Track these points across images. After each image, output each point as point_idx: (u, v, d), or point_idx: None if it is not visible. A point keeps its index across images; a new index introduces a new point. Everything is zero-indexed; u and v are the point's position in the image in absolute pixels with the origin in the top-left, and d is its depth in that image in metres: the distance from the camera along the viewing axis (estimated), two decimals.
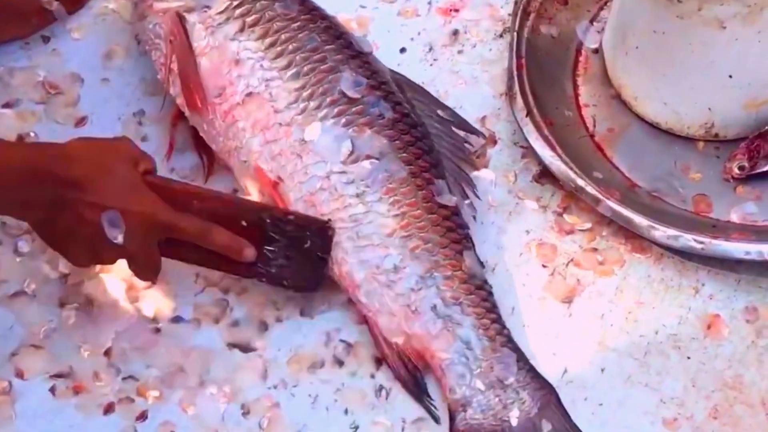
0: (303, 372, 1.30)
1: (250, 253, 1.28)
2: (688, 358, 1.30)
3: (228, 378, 1.30)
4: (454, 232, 1.32)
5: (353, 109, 1.36)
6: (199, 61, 1.40)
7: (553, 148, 1.39)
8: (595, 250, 1.37)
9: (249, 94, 1.37)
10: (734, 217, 1.37)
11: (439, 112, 1.42)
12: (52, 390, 1.30)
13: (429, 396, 1.28)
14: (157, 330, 1.33)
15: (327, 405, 1.29)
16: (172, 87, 1.42)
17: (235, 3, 1.41)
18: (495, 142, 1.46)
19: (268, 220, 1.29)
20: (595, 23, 1.53)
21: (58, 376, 1.30)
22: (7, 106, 1.47)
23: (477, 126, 1.46)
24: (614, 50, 1.46)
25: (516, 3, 1.51)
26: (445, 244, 1.31)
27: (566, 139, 1.42)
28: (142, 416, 1.28)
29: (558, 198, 1.41)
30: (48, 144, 1.31)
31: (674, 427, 1.26)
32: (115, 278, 1.35)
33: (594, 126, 1.46)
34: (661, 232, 1.33)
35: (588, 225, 1.38)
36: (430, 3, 1.58)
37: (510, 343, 1.28)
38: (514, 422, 1.24)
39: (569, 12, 1.53)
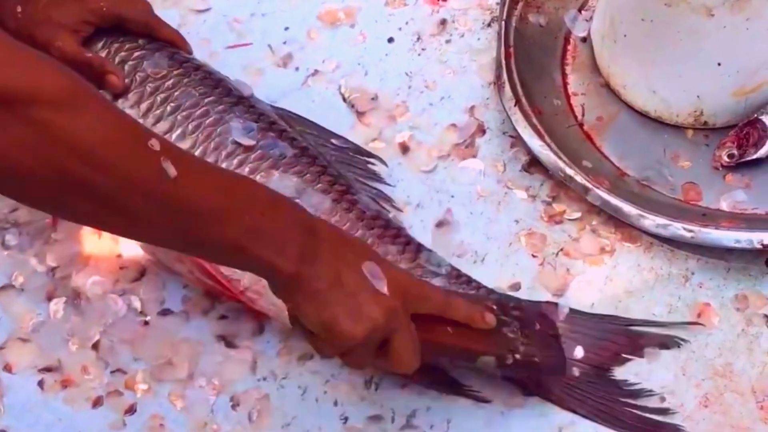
0: (292, 364, 1.30)
1: (491, 318, 1.18)
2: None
3: (217, 371, 1.30)
4: (400, 237, 1.30)
5: (253, 156, 1.31)
6: None
7: (541, 138, 1.39)
8: (584, 239, 1.36)
9: None
10: (724, 206, 1.37)
11: (333, 141, 1.39)
12: (41, 384, 1.29)
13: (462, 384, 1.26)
14: (146, 323, 1.33)
15: (317, 396, 1.28)
16: None
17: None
18: (483, 132, 1.45)
19: (495, 306, 1.22)
20: (583, 12, 1.53)
21: (47, 369, 1.30)
22: None
23: (466, 116, 1.46)
24: (603, 39, 1.46)
25: None
26: (400, 249, 1.29)
27: (555, 129, 1.42)
28: (131, 409, 1.28)
29: (547, 187, 1.40)
30: None
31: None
32: (103, 271, 1.35)
33: (583, 115, 1.46)
34: (651, 221, 1.32)
35: (577, 214, 1.38)
36: None
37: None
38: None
39: (557, 0, 1.53)
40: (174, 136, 1.31)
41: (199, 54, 1.48)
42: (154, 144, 0.96)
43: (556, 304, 1.28)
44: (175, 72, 1.35)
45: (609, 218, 1.36)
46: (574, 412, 1.25)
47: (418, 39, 1.53)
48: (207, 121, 1.32)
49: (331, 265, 1.07)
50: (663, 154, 1.42)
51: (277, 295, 1.09)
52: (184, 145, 1.30)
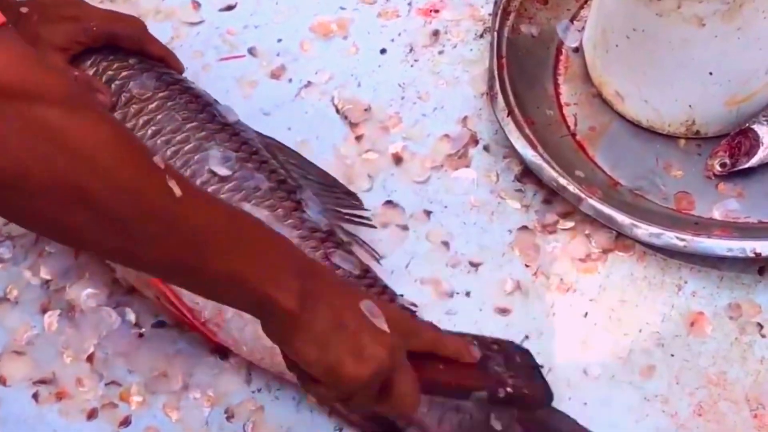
0: (287, 375, 1.30)
1: (477, 351, 1.16)
2: (672, 355, 1.30)
3: (211, 382, 1.30)
4: (366, 279, 1.29)
5: (227, 187, 1.29)
6: None
7: (534, 148, 1.39)
8: (577, 248, 1.37)
9: None
10: (716, 214, 1.37)
11: (314, 173, 1.37)
12: (35, 396, 1.29)
13: None
14: (140, 335, 1.33)
15: (311, 407, 1.28)
16: None
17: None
18: (476, 143, 1.46)
19: (476, 342, 1.20)
20: (575, 22, 1.53)
21: (41, 382, 1.30)
22: None
23: (459, 127, 1.46)
24: (594, 49, 1.46)
25: (496, 3, 1.51)
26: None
27: (548, 139, 1.42)
28: (126, 422, 1.28)
29: (540, 197, 1.41)
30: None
31: (659, 424, 1.26)
32: (97, 284, 1.35)
33: (575, 125, 1.46)
34: (644, 230, 1.33)
35: (570, 224, 1.38)
36: (410, 4, 1.58)
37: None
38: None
39: (549, 11, 1.53)
40: None
41: (192, 66, 1.49)
42: (158, 161, 0.93)
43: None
44: (160, 94, 1.34)
45: (602, 227, 1.36)
46: None
47: (411, 50, 1.54)
48: (186, 148, 1.31)
49: (332, 305, 1.03)
50: (655, 164, 1.42)
51: (272, 337, 1.05)
52: None
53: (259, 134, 1.38)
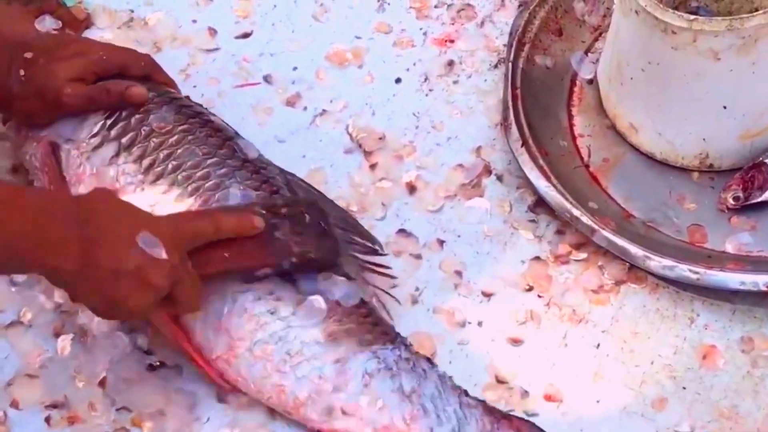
0: (295, 415, 1.29)
1: (259, 221, 1.24)
2: (684, 388, 1.29)
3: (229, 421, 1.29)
4: (370, 316, 1.29)
5: None
6: (77, 191, 1.33)
7: (548, 179, 1.40)
8: (590, 280, 1.37)
9: None
10: (729, 248, 1.37)
11: (335, 213, 1.35)
12: (47, 420, 1.29)
13: None
14: (151, 367, 1.32)
15: None
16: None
17: (109, 122, 1.35)
18: (490, 173, 1.46)
19: (264, 211, 1.25)
20: (589, 54, 1.54)
21: (53, 406, 1.30)
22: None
23: (472, 157, 1.47)
24: (609, 81, 1.47)
25: (511, 34, 1.52)
26: (368, 329, 1.27)
27: (561, 170, 1.42)
28: None
29: (553, 228, 1.41)
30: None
31: None
32: None
33: (589, 156, 1.46)
34: (657, 262, 1.33)
35: (583, 255, 1.38)
36: (425, 33, 1.59)
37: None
38: None
39: (564, 43, 1.54)
40: (172, 196, 1.30)
41: (208, 93, 1.50)
42: None
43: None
44: (180, 127, 1.34)
45: (614, 259, 1.36)
46: None
47: (426, 79, 1.54)
48: (207, 185, 1.31)
49: (110, 249, 1.15)
50: (669, 196, 1.43)
51: (58, 286, 1.20)
52: (181, 206, 1.29)
53: (281, 170, 1.37)
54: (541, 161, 1.42)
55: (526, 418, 1.26)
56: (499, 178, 1.46)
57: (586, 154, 1.47)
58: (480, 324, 1.35)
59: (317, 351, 1.24)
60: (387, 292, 1.34)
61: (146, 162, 1.32)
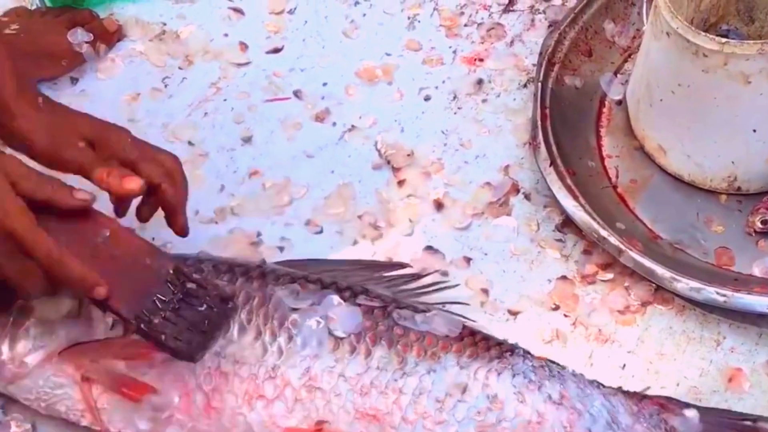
0: None
1: (102, 291, 1.17)
2: None
3: None
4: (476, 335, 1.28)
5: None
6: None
7: (575, 198, 1.40)
8: (616, 300, 1.37)
9: (215, 375, 1.22)
10: (756, 271, 1.37)
11: (352, 269, 1.34)
12: None
13: None
14: None
15: None
16: (111, 427, 1.24)
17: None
18: (518, 191, 1.46)
19: (172, 271, 1.21)
20: (619, 75, 1.54)
21: None
22: None
23: (500, 175, 1.47)
24: (638, 102, 1.47)
25: (541, 54, 1.53)
26: (485, 347, 1.27)
27: (589, 190, 1.43)
28: None
29: (580, 248, 1.41)
30: None
31: None
32: None
33: (617, 177, 1.47)
34: (684, 284, 1.33)
35: (610, 275, 1.39)
36: (455, 52, 1.59)
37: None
38: None
39: (593, 64, 1.54)
40: (235, 332, 1.23)
41: (238, 107, 1.52)
42: None
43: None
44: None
45: (641, 280, 1.37)
46: None
47: (455, 98, 1.55)
48: (254, 303, 1.25)
49: None
50: (696, 218, 1.43)
51: None
52: (249, 337, 1.23)
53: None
54: (569, 181, 1.42)
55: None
56: (527, 197, 1.46)
57: (614, 175, 1.47)
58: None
59: (461, 387, 1.23)
60: (457, 302, 1.33)
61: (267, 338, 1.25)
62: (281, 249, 1.41)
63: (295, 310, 1.25)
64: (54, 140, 1.24)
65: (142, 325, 1.18)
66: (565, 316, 1.37)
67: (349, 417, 1.22)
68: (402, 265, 1.36)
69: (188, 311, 1.20)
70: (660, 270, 1.34)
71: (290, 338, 1.23)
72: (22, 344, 1.24)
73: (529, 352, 1.28)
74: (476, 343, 1.26)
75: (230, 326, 1.22)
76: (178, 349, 1.19)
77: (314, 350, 1.23)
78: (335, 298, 1.25)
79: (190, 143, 1.50)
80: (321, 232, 1.44)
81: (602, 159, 1.48)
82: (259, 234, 1.42)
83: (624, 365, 1.33)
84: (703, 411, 1.26)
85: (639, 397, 1.26)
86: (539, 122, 1.46)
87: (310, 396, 1.22)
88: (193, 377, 1.22)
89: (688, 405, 1.26)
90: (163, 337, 1.19)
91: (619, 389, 1.27)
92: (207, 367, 1.22)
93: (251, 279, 1.27)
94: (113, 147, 1.26)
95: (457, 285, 1.35)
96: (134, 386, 1.21)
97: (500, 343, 1.27)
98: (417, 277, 1.35)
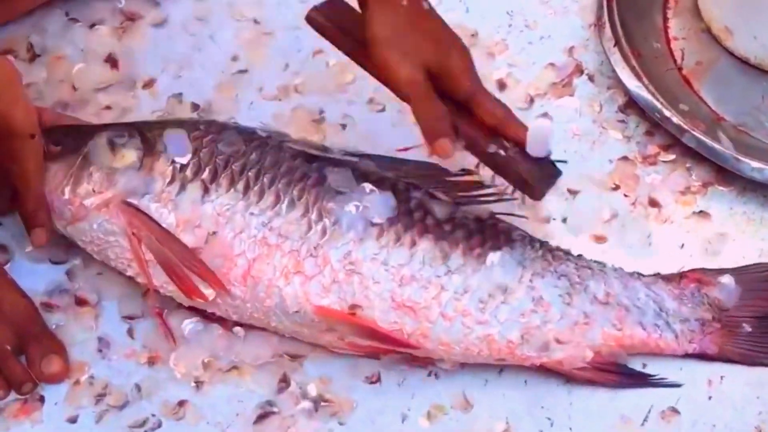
0: None
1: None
2: None
3: None
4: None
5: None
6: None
7: (639, 79, 1.39)
8: (677, 180, 1.37)
9: (259, 246, 1.23)
10: None
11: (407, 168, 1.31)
12: None
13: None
14: None
15: None
16: (155, 279, 1.24)
17: (179, 166, 1.26)
18: (581, 72, 1.46)
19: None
20: None
21: None
22: None
23: (564, 56, 1.47)
24: None
25: None
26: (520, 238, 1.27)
27: (653, 71, 1.41)
28: None
29: (642, 129, 1.41)
30: None
31: None
32: None
33: (682, 59, 1.45)
34: (746, 164, 1.32)
35: (671, 156, 1.38)
36: None
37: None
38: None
39: None
40: (284, 207, 1.24)
41: None
42: None
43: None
44: (252, 144, 1.28)
45: (703, 161, 1.36)
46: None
47: None
48: (309, 182, 1.26)
49: None
50: (761, 101, 1.41)
51: None
52: (297, 212, 1.23)
53: (352, 154, 1.31)
54: (633, 62, 1.41)
55: None
56: (591, 78, 1.45)
57: (679, 57, 1.46)
58: (564, 221, 1.35)
59: (504, 288, 1.23)
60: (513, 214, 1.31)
61: (240, 187, 1.25)
62: (343, 126, 1.42)
63: (341, 193, 1.25)
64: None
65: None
66: (625, 195, 1.37)
67: (384, 305, 1.21)
68: (469, 172, 1.33)
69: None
70: (723, 150, 1.33)
71: (336, 221, 1.24)
72: (84, 187, 1.26)
73: (569, 252, 1.28)
74: (522, 245, 1.26)
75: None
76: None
77: (359, 234, 1.23)
78: (367, 186, 1.26)
79: (255, 21, 1.51)
80: (383, 110, 1.44)
81: (668, 41, 1.47)
82: (321, 111, 1.43)
83: (683, 245, 1.33)
84: (737, 273, 1.26)
85: (677, 279, 1.26)
86: (605, 3, 1.45)
87: (347, 278, 1.22)
88: (240, 244, 1.23)
89: (720, 272, 1.26)
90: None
91: (658, 275, 1.27)
92: (253, 236, 1.23)
93: (309, 160, 1.28)
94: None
95: (516, 199, 1.31)
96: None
97: (543, 244, 1.27)
98: (481, 185, 1.32)
